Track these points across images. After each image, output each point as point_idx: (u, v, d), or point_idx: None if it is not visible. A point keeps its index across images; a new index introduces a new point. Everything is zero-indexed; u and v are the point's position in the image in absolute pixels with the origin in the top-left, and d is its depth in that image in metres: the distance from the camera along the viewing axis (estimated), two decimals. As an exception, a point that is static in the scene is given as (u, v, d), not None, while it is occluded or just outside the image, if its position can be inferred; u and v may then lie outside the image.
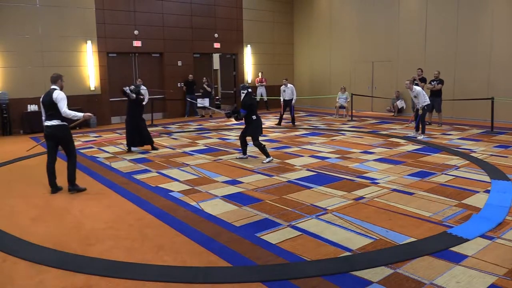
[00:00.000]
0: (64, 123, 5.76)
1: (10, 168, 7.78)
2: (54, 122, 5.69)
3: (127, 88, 8.63)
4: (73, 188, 5.91)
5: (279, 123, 12.56)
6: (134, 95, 8.58)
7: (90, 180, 6.62)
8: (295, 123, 12.56)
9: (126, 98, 8.82)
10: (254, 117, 7.48)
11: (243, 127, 7.80)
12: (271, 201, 5.24)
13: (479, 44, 12.51)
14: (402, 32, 14.44)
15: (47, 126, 5.73)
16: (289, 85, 12.42)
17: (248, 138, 7.71)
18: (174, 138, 10.71)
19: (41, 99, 5.78)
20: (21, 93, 12.20)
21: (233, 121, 9.96)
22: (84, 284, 3.32)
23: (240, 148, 7.96)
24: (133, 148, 8.96)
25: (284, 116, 12.71)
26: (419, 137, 9.70)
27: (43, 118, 5.82)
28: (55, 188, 5.96)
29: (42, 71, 12.46)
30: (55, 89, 5.69)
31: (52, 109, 5.64)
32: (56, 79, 5.78)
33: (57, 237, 4.30)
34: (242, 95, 7.45)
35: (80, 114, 5.82)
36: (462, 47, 12.90)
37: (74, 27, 13.01)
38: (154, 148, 9.00)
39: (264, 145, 7.64)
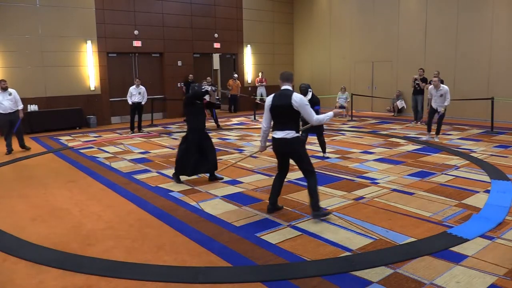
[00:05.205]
0: (298, 134, 4.55)
1: (10, 168, 7.78)
2: (288, 134, 4.45)
3: (208, 86, 6.27)
4: (318, 213, 4.58)
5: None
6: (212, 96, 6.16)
7: (90, 180, 6.62)
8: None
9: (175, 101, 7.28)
10: None
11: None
12: (271, 201, 5.23)
13: (479, 44, 12.50)
14: (402, 32, 14.45)
15: (278, 139, 4.52)
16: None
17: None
18: (174, 138, 10.70)
19: (269, 103, 4.54)
20: (21, 93, 12.05)
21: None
22: (84, 284, 3.32)
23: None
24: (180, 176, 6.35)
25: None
26: (436, 139, 9.33)
27: (265, 126, 4.67)
28: (273, 207, 4.87)
29: (42, 71, 12.47)
30: (289, 89, 4.54)
31: (286, 116, 4.47)
32: (290, 78, 4.62)
33: (57, 237, 4.30)
34: (310, 94, 7.42)
35: (330, 114, 4.65)
36: (462, 47, 12.90)
37: (74, 27, 13.01)
38: (214, 178, 6.39)
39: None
